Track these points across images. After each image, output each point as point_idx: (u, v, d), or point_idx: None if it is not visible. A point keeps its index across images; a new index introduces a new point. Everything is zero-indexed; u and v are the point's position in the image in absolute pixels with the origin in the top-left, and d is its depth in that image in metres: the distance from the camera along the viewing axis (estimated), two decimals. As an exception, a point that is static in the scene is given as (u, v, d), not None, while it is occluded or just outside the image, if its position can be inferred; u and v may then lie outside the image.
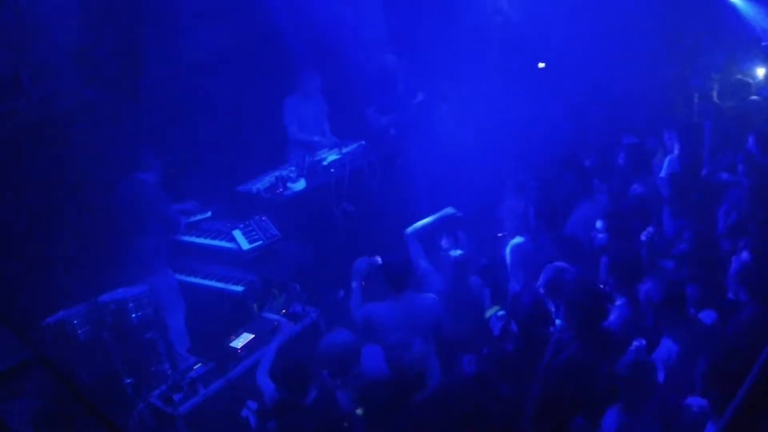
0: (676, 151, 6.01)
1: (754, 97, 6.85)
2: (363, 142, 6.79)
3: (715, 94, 7.16)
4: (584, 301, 3.77)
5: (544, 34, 7.77)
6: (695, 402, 3.28)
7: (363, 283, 4.68)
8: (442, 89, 7.28)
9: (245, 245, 5.54)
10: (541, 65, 8.19)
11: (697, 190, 5.29)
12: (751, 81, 7.03)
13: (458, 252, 4.77)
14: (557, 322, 4.07)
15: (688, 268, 4.38)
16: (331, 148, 6.74)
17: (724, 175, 5.72)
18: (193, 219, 6.16)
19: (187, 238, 6.02)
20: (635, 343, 3.67)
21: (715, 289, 4.21)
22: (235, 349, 4.64)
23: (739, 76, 7.11)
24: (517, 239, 5.06)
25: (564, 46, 7.68)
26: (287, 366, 3.82)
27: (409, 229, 5.10)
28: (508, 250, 5.05)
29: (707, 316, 3.92)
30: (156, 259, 5.53)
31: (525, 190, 5.87)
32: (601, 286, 4.25)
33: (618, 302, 4.15)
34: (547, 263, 4.38)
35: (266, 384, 4.03)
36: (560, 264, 4.32)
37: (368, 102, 7.27)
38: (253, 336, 4.74)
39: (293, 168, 6.37)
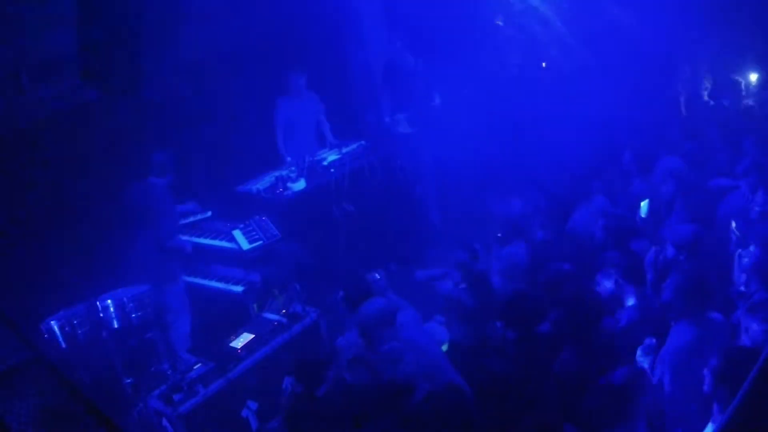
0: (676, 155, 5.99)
1: (747, 101, 6.85)
2: (363, 142, 6.80)
3: (706, 94, 7.17)
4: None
5: (546, 36, 7.78)
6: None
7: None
8: (444, 88, 7.30)
9: (245, 245, 5.54)
10: (543, 65, 8.21)
11: (699, 192, 5.27)
12: (741, 80, 7.04)
13: (478, 266, 4.69)
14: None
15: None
16: (331, 149, 6.75)
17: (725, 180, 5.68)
18: (193, 219, 6.16)
19: (187, 238, 6.03)
20: (647, 341, 3.67)
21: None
22: (235, 349, 4.64)
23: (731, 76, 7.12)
24: (512, 244, 5.02)
25: (566, 47, 7.69)
26: (303, 358, 3.88)
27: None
28: (502, 254, 5.02)
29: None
30: (167, 263, 5.52)
31: (524, 191, 5.87)
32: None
33: (628, 304, 4.14)
34: (548, 262, 4.38)
35: None
36: (560, 263, 4.32)
37: (377, 100, 7.28)
38: (253, 336, 4.74)
39: (293, 168, 6.37)
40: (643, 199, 5.31)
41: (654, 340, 3.72)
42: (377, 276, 4.71)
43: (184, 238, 5.87)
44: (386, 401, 3.62)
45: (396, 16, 7.87)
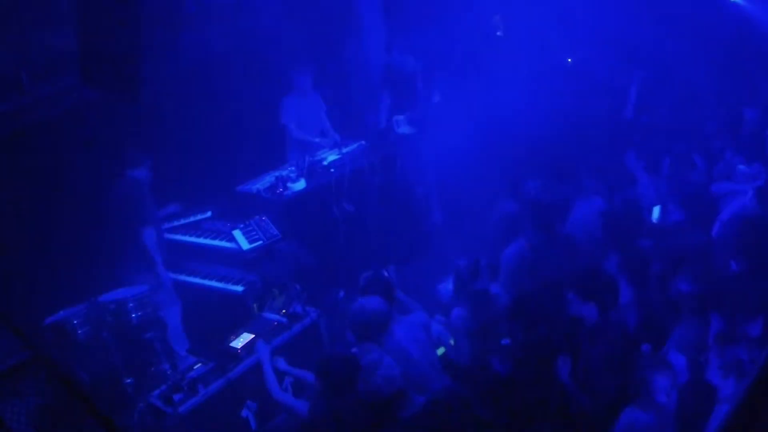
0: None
1: None
2: (363, 142, 6.80)
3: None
4: None
5: (544, 34, 7.77)
6: None
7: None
8: (444, 89, 7.30)
9: (245, 245, 5.54)
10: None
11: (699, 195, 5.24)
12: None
13: (478, 283, 4.56)
14: None
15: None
16: (331, 148, 6.75)
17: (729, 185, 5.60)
18: (193, 219, 6.16)
19: (187, 238, 6.03)
20: (642, 348, 3.65)
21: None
22: (235, 349, 4.64)
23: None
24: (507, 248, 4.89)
25: (566, 46, 7.68)
26: (333, 363, 3.78)
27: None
28: (504, 256, 4.86)
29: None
30: (149, 257, 5.51)
31: (521, 192, 5.83)
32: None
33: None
34: (544, 266, 4.34)
35: (287, 399, 4.10)
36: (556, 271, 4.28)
37: (377, 102, 7.29)
38: (253, 336, 4.74)
39: (293, 168, 6.36)
40: (647, 200, 5.28)
41: (649, 347, 3.69)
42: (385, 273, 4.69)
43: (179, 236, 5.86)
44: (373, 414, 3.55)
45: (397, 16, 7.89)
